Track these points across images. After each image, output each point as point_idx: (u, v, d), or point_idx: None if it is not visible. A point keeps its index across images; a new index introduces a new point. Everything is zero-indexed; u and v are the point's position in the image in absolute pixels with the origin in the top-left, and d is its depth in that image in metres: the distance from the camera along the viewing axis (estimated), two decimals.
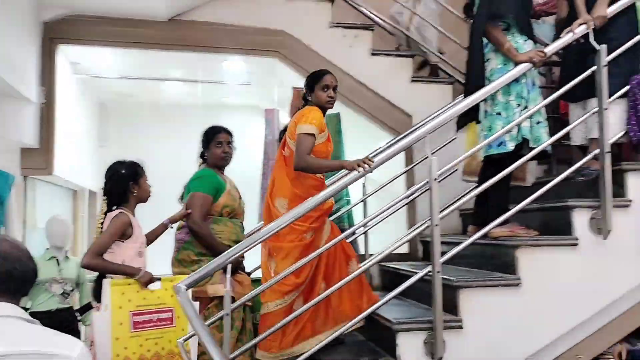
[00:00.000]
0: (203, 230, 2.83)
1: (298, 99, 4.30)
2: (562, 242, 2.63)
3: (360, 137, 4.56)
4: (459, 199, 3.03)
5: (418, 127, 3.21)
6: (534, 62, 2.69)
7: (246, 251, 2.36)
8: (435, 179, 2.41)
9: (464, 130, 3.31)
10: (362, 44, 4.30)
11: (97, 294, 2.51)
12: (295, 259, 2.56)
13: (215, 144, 2.98)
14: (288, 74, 4.35)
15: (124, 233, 2.56)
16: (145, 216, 2.81)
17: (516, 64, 2.72)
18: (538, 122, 2.77)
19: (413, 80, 4.36)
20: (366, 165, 2.35)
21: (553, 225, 2.82)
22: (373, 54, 4.30)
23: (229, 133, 3.05)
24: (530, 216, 2.98)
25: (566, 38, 2.83)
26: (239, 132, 3.15)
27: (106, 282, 2.43)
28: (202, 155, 3.06)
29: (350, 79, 4.22)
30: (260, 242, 2.40)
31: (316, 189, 2.61)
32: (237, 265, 2.93)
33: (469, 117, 2.89)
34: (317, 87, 2.73)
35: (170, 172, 3.50)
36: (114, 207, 2.63)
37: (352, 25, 4.32)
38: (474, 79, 2.83)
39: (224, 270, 2.29)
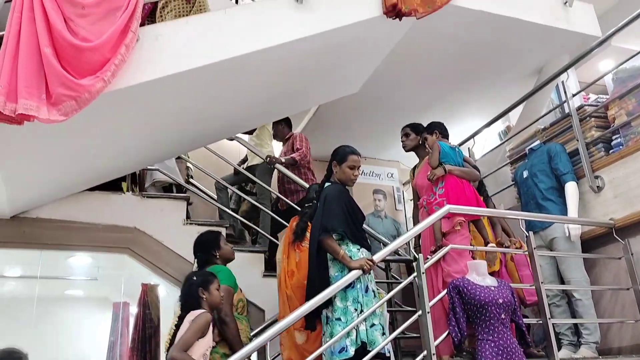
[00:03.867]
0: (233, 324, 3.01)
1: (148, 294, 4.22)
2: None
3: None
4: None
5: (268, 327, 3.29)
6: (364, 269, 2.97)
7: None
8: None
9: None
10: None
11: None
12: None
13: (224, 242, 3.44)
14: (138, 268, 4.28)
15: (203, 332, 2.73)
16: None
17: (350, 270, 2.98)
18: (372, 325, 2.96)
19: (265, 275, 4.50)
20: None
21: None
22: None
23: None
24: None
25: (389, 247, 3.22)
26: (86, 324, 3.02)
27: None
28: (207, 258, 3.32)
29: None
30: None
31: None
32: None
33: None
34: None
35: None
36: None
37: (206, 223, 4.49)
38: (317, 285, 3.02)
39: None
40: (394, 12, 3.77)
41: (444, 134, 4.00)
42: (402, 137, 4.24)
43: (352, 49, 4.09)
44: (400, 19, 3.84)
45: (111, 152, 3.71)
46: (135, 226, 4.18)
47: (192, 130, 4.05)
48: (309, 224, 3.32)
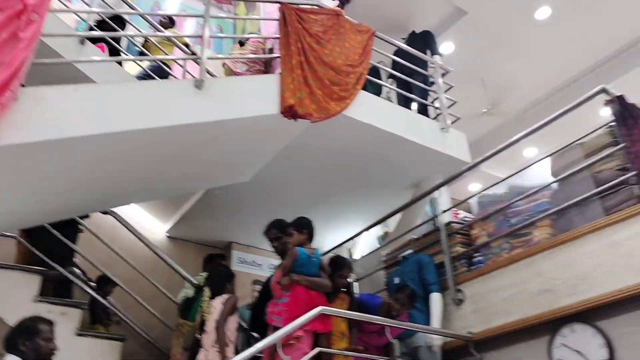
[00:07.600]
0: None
1: None
2: None
3: None
4: None
5: None
6: None
7: None
8: None
9: None
10: (69, 322, 4.03)
11: None
12: None
13: None
14: None
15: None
16: None
17: None
18: None
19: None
20: None
21: None
22: (79, 334, 4.03)
23: None
24: None
25: None
26: None
27: None
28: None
29: None
30: None
31: None
32: None
33: None
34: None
35: None
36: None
37: (60, 302, 4.09)
38: None
39: None
40: (290, 112, 3.96)
41: (311, 236, 3.80)
42: (272, 243, 3.98)
43: (247, 140, 4.18)
44: (295, 120, 4.03)
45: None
46: None
47: (68, 197, 3.80)
48: None
